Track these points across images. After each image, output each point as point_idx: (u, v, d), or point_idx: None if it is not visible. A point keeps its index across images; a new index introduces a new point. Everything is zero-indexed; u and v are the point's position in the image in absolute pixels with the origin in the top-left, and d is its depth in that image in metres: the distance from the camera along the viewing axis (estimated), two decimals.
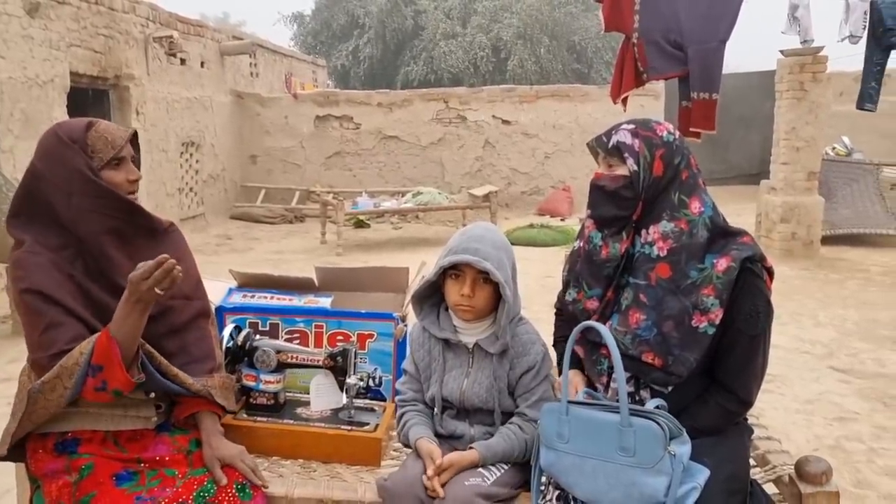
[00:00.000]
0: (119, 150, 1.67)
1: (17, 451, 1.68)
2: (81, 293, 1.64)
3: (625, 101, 4.79)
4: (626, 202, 1.65)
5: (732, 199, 9.55)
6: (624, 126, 1.68)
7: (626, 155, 1.63)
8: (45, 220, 1.65)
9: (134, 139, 1.78)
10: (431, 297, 1.85)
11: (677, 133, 1.69)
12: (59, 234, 1.65)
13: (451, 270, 1.75)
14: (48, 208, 1.65)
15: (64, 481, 1.58)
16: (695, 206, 1.62)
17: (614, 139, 1.67)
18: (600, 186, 1.69)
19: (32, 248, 1.63)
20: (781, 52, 7.27)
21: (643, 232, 1.65)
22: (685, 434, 1.46)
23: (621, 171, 1.65)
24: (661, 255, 1.61)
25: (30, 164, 1.68)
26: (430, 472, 1.61)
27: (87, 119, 1.72)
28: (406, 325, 2.21)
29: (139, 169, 1.78)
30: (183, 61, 9.87)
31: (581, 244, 1.78)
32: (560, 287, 1.88)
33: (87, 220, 1.64)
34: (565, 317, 1.86)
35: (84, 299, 1.63)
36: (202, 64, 10.54)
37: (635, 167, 1.62)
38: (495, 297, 1.76)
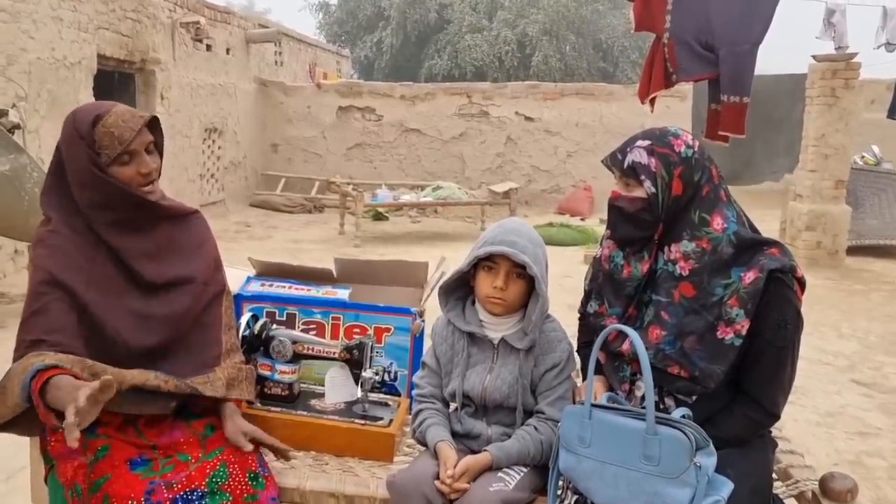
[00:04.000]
0: (127, 144, 1.62)
1: (13, 428, 1.65)
2: (100, 277, 1.63)
3: (652, 101, 4.72)
4: (645, 224, 1.60)
5: (756, 204, 9.40)
6: (639, 143, 1.60)
7: (642, 177, 1.57)
8: (70, 201, 1.65)
9: (153, 124, 1.72)
10: (458, 290, 1.83)
11: (696, 144, 1.61)
12: (83, 218, 1.64)
13: (485, 262, 1.72)
14: (71, 191, 1.65)
15: (79, 462, 1.57)
16: (717, 223, 1.56)
17: (629, 159, 1.59)
18: (619, 208, 1.64)
19: (57, 228, 1.63)
20: (814, 57, 7.14)
21: (665, 249, 1.61)
22: (711, 445, 1.42)
23: (638, 192, 1.59)
24: (684, 274, 1.57)
25: (57, 144, 1.68)
26: (444, 477, 1.58)
27: (98, 110, 1.65)
28: (423, 321, 2.18)
29: (161, 154, 1.74)
30: (209, 47, 9.90)
31: (603, 252, 1.74)
32: (580, 290, 1.84)
33: (97, 212, 1.63)
34: (587, 324, 1.83)
35: (100, 284, 1.62)
36: (227, 51, 10.58)
37: (653, 189, 1.56)
38: (525, 293, 1.73)
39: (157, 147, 1.74)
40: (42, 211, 1.68)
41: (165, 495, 1.55)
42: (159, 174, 1.75)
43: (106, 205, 1.64)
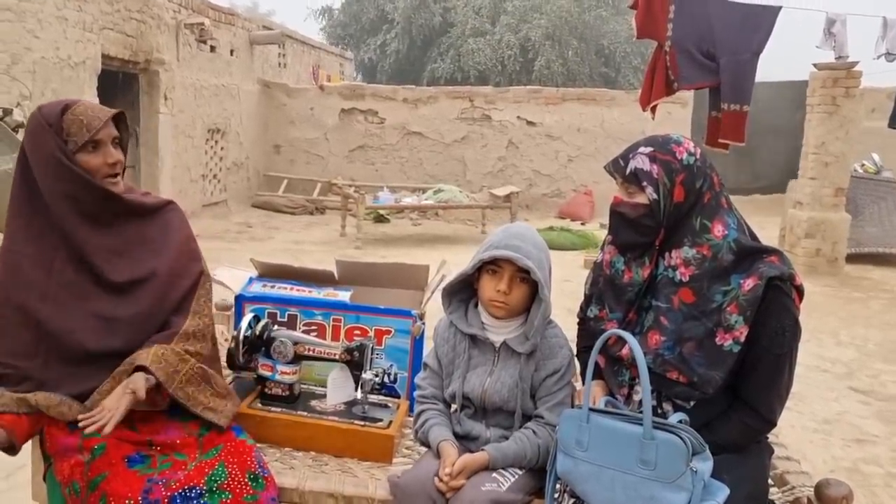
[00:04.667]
0: (95, 132, 1.63)
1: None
2: (58, 286, 1.63)
3: (654, 109, 4.75)
4: (647, 230, 1.61)
5: (757, 211, 9.42)
6: (641, 150, 1.61)
7: (644, 183, 1.58)
8: (34, 203, 1.64)
9: (119, 119, 1.73)
10: (461, 292, 1.84)
11: (698, 152, 1.62)
12: (45, 218, 1.64)
13: (490, 266, 1.73)
14: (37, 188, 1.63)
15: (76, 460, 1.58)
16: (718, 230, 1.57)
17: (632, 165, 1.60)
18: (620, 213, 1.65)
19: (13, 244, 1.63)
20: (815, 65, 7.16)
21: (666, 255, 1.62)
22: (707, 451, 1.43)
23: (640, 199, 1.60)
24: (684, 280, 1.58)
25: (21, 144, 1.68)
26: (442, 475, 1.60)
27: (67, 100, 1.68)
28: (423, 324, 2.20)
29: (125, 150, 1.73)
30: (213, 48, 9.93)
31: (604, 257, 1.75)
32: (580, 295, 1.86)
33: (62, 204, 1.62)
34: (587, 328, 1.84)
35: (59, 293, 1.63)
36: (231, 52, 10.61)
37: (655, 196, 1.57)
38: (528, 298, 1.75)
39: (122, 144, 1.73)
40: (6, 222, 1.67)
41: (163, 493, 1.55)
42: (124, 170, 1.73)
43: (71, 195, 1.63)
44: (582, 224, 10.21)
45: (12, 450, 1.58)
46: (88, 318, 1.62)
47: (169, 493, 1.57)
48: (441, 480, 1.59)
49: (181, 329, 1.72)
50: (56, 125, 1.62)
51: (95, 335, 1.64)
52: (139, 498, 1.54)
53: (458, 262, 2.06)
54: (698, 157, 1.61)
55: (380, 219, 10.36)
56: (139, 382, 1.59)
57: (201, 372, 1.71)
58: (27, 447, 1.91)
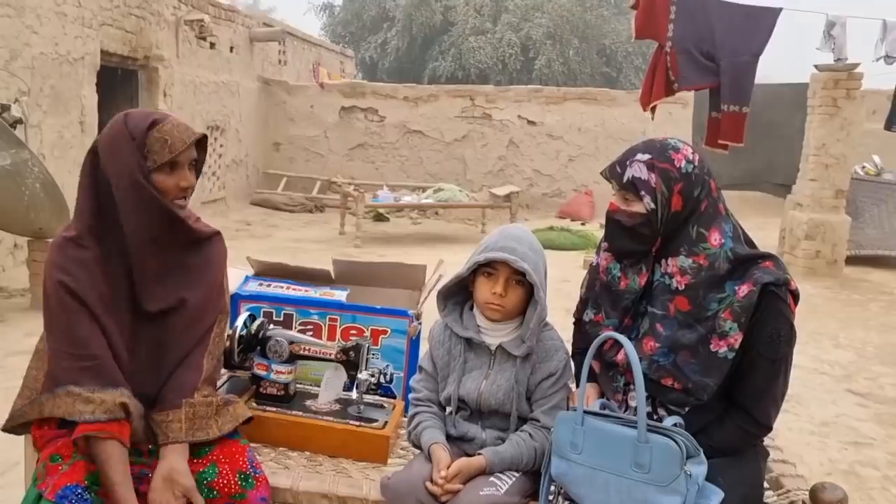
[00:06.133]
0: (176, 154, 1.61)
1: (22, 426, 1.67)
2: (108, 294, 1.61)
3: (653, 109, 4.75)
4: (643, 238, 1.59)
5: (756, 212, 9.43)
6: (639, 156, 1.58)
7: (642, 192, 1.56)
8: (101, 204, 1.62)
9: (200, 142, 1.71)
10: (456, 294, 1.83)
11: (696, 158, 1.60)
12: (110, 222, 1.61)
13: (485, 268, 1.72)
14: (106, 190, 1.61)
15: (65, 441, 1.57)
16: (714, 238, 1.56)
17: (629, 173, 1.58)
18: (617, 221, 1.63)
19: (80, 239, 1.60)
20: (816, 66, 7.15)
21: (663, 262, 1.61)
22: (702, 454, 1.43)
23: (637, 207, 1.58)
24: (680, 288, 1.57)
25: (93, 145, 1.65)
26: (436, 478, 1.59)
27: (155, 116, 1.65)
28: (420, 324, 2.19)
29: (200, 172, 1.72)
30: (212, 45, 9.92)
31: (600, 261, 1.74)
32: (577, 295, 1.85)
33: (130, 218, 1.60)
34: (583, 331, 1.83)
35: (107, 302, 1.61)
36: (231, 49, 10.59)
37: (652, 205, 1.55)
38: (524, 301, 1.74)
39: (197, 167, 1.72)
40: (74, 214, 1.67)
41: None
42: (192, 192, 1.72)
43: (136, 210, 1.60)
44: (582, 224, 10.21)
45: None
46: (118, 334, 1.59)
47: None
48: (435, 484, 1.59)
49: (202, 377, 1.69)
50: (140, 140, 1.59)
51: (120, 351, 1.61)
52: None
53: (457, 261, 2.05)
54: (696, 163, 1.59)
55: (379, 217, 10.36)
56: (182, 478, 1.56)
57: (221, 404, 1.71)
58: (20, 444, 1.91)
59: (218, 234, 1.83)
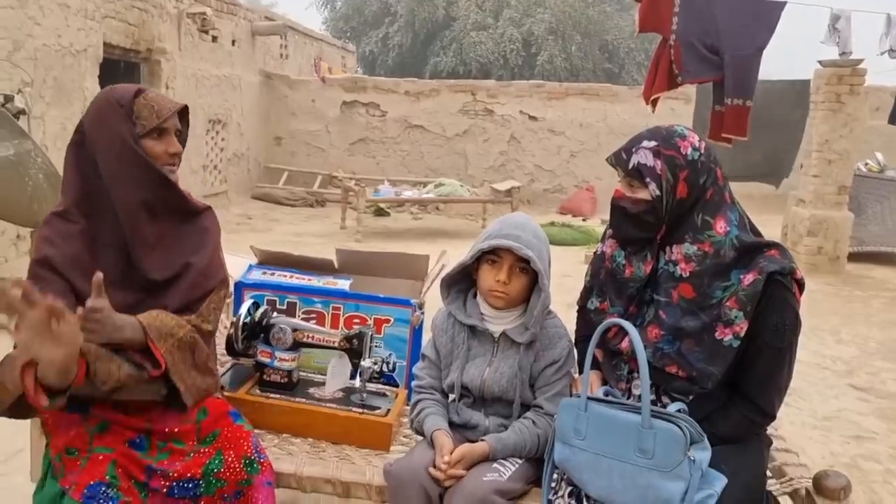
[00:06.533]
0: (163, 120, 1.64)
1: (18, 409, 1.65)
2: (99, 267, 1.58)
3: (654, 102, 4.74)
4: (648, 225, 1.59)
5: (758, 208, 9.36)
6: (645, 143, 1.57)
7: (647, 179, 1.55)
8: (88, 181, 1.63)
9: (184, 114, 1.75)
10: (460, 282, 1.83)
11: (703, 145, 1.59)
12: (98, 198, 1.63)
13: (489, 255, 1.72)
14: (93, 167, 1.62)
15: (78, 431, 1.57)
16: (720, 226, 1.55)
17: (635, 160, 1.57)
18: (622, 208, 1.62)
19: (67, 214, 1.62)
20: (820, 62, 7.13)
21: (667, 249, 1.60)
22: (706, 440, 1.43)
23: (642, 194, 1.57)
24: (684, 275, 1.56)
25: (78, 123, 1.67)
26: (439, 464, 1.59)
27: (139, 86, 1.70)
28: (423, 313, 2.19)
29: (184, 145, 1.75)
30: (214, 39, 9.90)
31: (604, 250, 1.74)
32: (579, 288, 1.84)
33: (121, 187, 1.61)
34: (587, 318, 1.83)
35: (108, 276, 1.57)
36: (233, 42, 10.57)
37: (658, 192, 1.55)
38: (528, 288, 1.74)
39: (181, 138, 1.75)
40: (60, 192, 1.67)
41: (162, 483, 1.57)
42: (180, 161, 1.74)
43: (132, 177, 1.62)
44: (583, 220, 10.19)
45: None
46: (118, 307, 1.56)
47: (168, 483, 1.58)
48: (438, 469, 1.59)
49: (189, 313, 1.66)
50: (128, 108, 1.63)
51: None
52: (143, 478, 1.57)
53: (457, 256, 2.05)
54: (703, 151, 1.58)
55: (380, 212, 10.35)
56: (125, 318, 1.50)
57: (192, 341, 1.64)
58: (25, 430, 1.91)
59: (209, 208, 1.84)
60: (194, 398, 1.64)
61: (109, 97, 1.64)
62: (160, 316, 1.59)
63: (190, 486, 1.60)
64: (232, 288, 2.30)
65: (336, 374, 2.00)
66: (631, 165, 1.58)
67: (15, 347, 1.55)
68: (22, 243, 5.85)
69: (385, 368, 2.09)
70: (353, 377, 2.01)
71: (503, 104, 11.64)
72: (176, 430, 1.67)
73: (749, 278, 1.52)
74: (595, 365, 1.74)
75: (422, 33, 19.97)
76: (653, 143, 1.57)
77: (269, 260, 2.41)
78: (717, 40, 4.29)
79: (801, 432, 3.43)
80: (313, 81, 12.18)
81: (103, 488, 1.49)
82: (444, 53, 19.50)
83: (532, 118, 11.63)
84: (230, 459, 1.63)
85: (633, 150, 1.59)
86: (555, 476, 1.60)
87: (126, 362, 1.54)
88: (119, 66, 8.02)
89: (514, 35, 18.91)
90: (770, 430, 1.76)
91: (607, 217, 1.74)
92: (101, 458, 1.54)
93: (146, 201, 1.64)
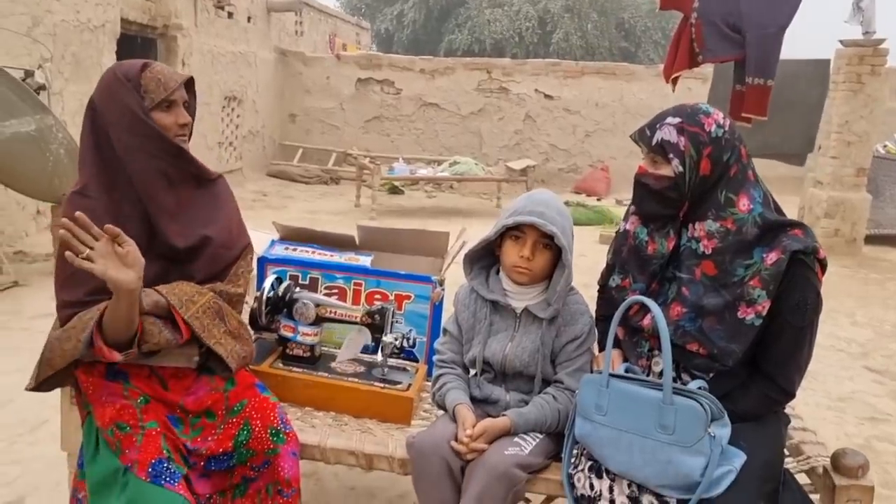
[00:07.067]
0: (171, 92, 1.67)
1: (47, 384, 1.69)
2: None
3: (675, 81, 4.69)
4: (670, 201, 1.60)
5: (774, 189, 9.29)
6: (669, 119, 1.58)
7: (671, 155, 1.56)
8: (104, 156, 1.67)
9: (190, 85, 1.78)
10: (483, 258, 1.85)
11: (727, 123, 1.59)
12: (115, 172, 1.66)
13: (513, 231, 1.74)
14: (107, 142, 1.66)
15: (123, 404, 1.62)
16: (743, 204, 1.56)
17: (658, 136, 1.57)
18: (644, 184, 1.63)
19: (86, 191, 1.65)
20: (841, 42, 7.02)
21: (690, 226, 1.61)
22: (726, 417, 1.44)
23: (665, 170, 1.58)
24: (707, 252, 1.57)
25: (89, 101, 1.70)
26: (462, 437, 1.62)
27: (144, 60, 1.72)
28: (443, 290, 2.21)
29: (193, 116, 1.78)
30: (230, 15, 9.88)
31: (627, 228, 1.75)
32: (595, 270, 1.85)
33: (136, 158, 1.65)
34: (607, 297, 1.84)
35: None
36: (249, 19, 10.54)
37: (681, 168, 1.55)
38: (551, 264, 1.75)
39: (189, 109, 1.78)
40: (78, 170, 1.71)
41: (196, 460, 1.64)
42: (191, 133, 1.77)
43: (145, 149, 1.65)
44: (598, 200, 10.15)
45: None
46: (146, 277, 1.60)
47: (201, 460, 1.65)
48: (460, 443, 1.62)
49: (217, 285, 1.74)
50: (135, 81, 1.65)
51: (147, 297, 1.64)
52: (186, 453, 1.63)
53: (474, 235, 2.06)
54: (727, 128, 1.58)
55: (394, 190, 10.35)
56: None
57: (217, 307, 1.70)
58: (48, 403, 1.95)
59: (221, 176, 1.88)
60: (237, 363, 1.71)
61: (116, 72, 1.67)
62: (178, 285, 1.66)
63: (224, 458, 1.66)
64: (255, 263, 2.33)
65: (350, 346, 2.03)
66: (654, 142, 1.58)
67: (54, 329, 1.62)
68: (42, 218, 5.92)
69: (406, 344, 2.12)
70: (374, 352, 2.04)
71: (518, 83, 11.56)
72: (208, 402, 1.71)
73: (772, 257, 1.52)
74: (616, 343, 1.76)
75: (436, 10, 19.81)
76: (677, 120, 1.57)
77: (291, 235, 2.44)
78: (738, 19, 4.22)
79: (815, 413, 3.44)
80: (328, 58, 12.13)
81: (165, 464, 1.54)
82: (459, 31, 19.34)
83: (547, 97, 11.55)
84: (257, 429, 1.67)
85: (657, 126, 1.59)
86: (575, 451, 1.62)
87: (164, 328, 1.61)
88: (136, 42, 8.03)
89: (530, 12, 18.72)
90: (787, 408, 1.78)
91: (622, 197, 1.75)
92: (153, 433, 1.58)
93: (162, 170, 1.68)
